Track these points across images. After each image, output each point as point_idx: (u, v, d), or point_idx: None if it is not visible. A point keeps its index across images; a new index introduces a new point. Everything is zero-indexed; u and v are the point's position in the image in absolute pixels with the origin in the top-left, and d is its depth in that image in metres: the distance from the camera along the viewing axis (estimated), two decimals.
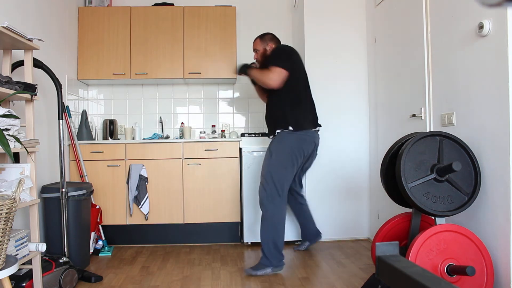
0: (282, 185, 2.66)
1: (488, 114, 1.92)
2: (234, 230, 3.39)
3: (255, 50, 2.94)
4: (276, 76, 2.62)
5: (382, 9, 3.13)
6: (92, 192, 2.89)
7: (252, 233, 3.25)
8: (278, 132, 2.71)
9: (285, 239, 3.12)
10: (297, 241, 3.30)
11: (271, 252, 2.57)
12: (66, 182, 2.71)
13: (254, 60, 2.99)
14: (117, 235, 3.32)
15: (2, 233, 1.57)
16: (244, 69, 2.85)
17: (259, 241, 3.26)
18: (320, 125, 2.90)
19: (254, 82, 2.93)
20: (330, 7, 3.43)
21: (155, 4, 3.71)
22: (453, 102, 2.20)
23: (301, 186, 3.10)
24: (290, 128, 2.67)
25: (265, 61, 2.80)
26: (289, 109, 2.69)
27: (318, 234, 3.15)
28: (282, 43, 2.97)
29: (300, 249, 3.13)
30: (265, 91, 2.92)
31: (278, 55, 2.74)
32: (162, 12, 3.63)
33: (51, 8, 2.99)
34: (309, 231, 3.13)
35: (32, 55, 2.19)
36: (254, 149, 3.31)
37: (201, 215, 3.37)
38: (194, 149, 3.36)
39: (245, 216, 3.28)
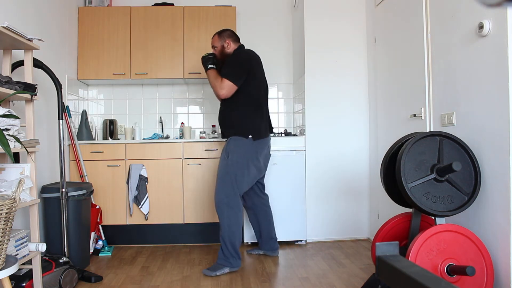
0: (240, 187, 2.69)
1: (488, 114, 1.92)
2: None
3: (213, 46, 2.91)
4: (225, 90, 2.67)
5: (382, 9, 3.13)
6: (92, 192, 2.89)
7: (252, 233, 3.25)
8: (236, 137, 2.73)
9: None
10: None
11: (229, 252, 2.62)
12: (66, 182, 2.71)
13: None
14: (117, 235, 3.32)
15: (2, 233, 1.57)
16: (205, 66, 2.85)
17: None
18: (272, 131, 3.01)
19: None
20: (330, 7, 3.43)
21: (155, 4, 3.71)
22: (453, 102, 2.20)
23: (263, 189, 3.04)
24: (250, 136, 2.70)
25: (223, 64, 2.80)
26: (247, 116, 2.74)
27: (273, 248, 2.99)
28: (240, 41, 2.93)
29: (253, 252, 3.06)
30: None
31: (234, 67, 2.73)
32: (162, 12, 3.63)
33: (51, 8, 2.99)
34: (264, 241, 3.01)
35: (32, 55, 2.19)
36: None
37: (201, 215, 3.37)
38: (194, 149, 3.36)
39: (245, 216, 3.27)
